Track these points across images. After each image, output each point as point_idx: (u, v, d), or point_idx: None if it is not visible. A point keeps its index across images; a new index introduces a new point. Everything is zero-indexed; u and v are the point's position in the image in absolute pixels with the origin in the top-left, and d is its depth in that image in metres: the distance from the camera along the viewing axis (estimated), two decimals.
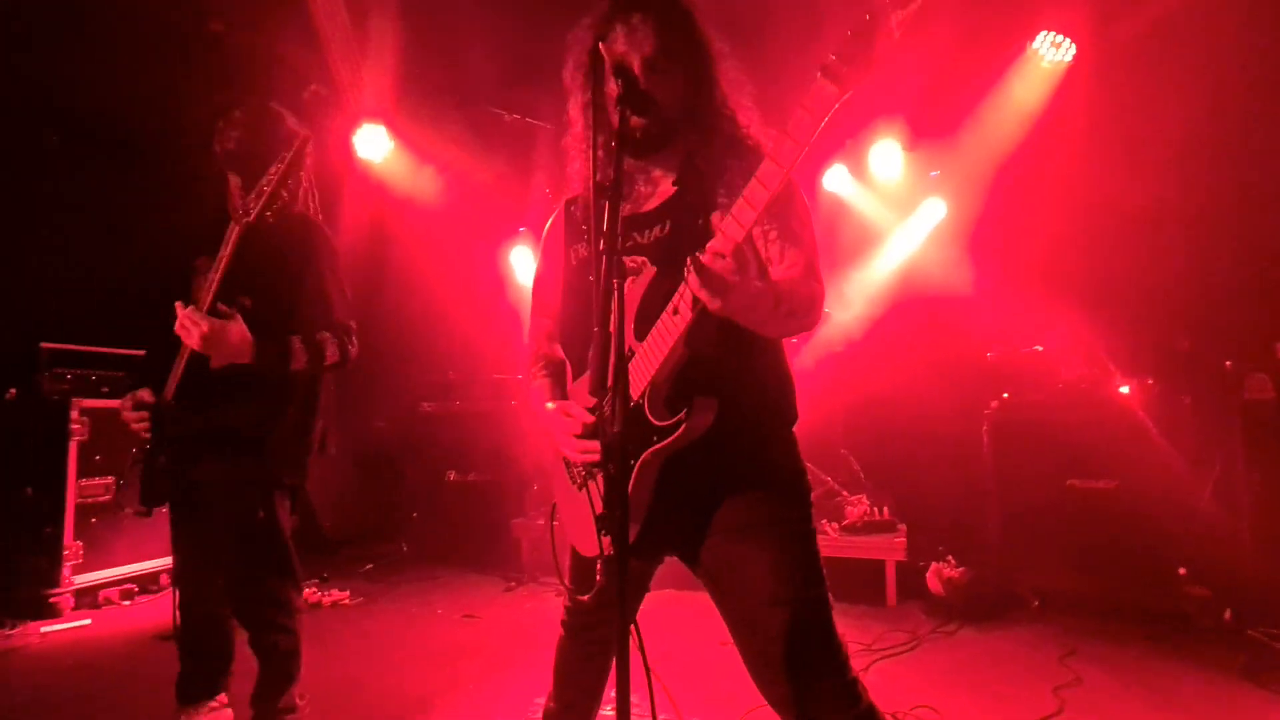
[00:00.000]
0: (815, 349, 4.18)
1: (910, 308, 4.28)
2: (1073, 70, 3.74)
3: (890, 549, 3.55)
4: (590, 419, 1.30)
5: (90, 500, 3.55)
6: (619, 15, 1.33)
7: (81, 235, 4.10)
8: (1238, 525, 2.81)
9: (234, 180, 1.95)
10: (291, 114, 1.99)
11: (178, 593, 1.99)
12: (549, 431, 1.41)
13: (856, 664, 2.75)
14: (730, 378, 1.30)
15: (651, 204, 1.39)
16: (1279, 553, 2.74)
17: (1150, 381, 3.18)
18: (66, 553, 3.46)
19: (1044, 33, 3.68)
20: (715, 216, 1.24)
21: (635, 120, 1.28)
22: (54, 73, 3.76)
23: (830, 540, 3.68)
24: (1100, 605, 3.17)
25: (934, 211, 4.45)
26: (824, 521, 3.82)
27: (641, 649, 1.53)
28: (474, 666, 2.83)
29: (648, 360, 1.24)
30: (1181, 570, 2.95)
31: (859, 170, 4.56)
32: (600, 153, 1.30)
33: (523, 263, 5.54)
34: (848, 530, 3.72)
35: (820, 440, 4.14)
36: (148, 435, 1.86)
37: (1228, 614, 2.85)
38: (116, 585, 3.69)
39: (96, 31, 3.63)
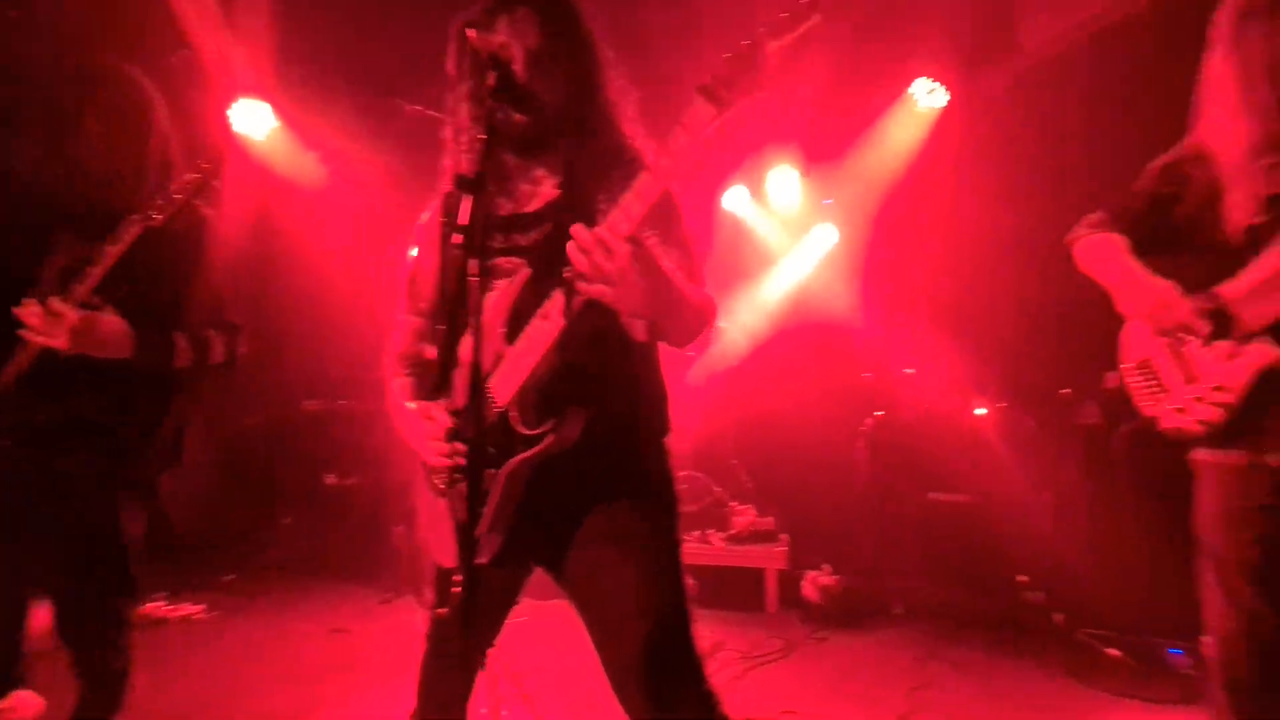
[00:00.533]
0: (709, 364, 4.29)
1: (800, 328, 4.48)
2: (946, 114, 4.06)
3: (771, 558, 3.68)
4: (445, 425, 1.26)
5: None
6: (502, 6, 1.30)
7: None
8: (1071, 537, 3.11)
9: (104, 161, 1.73)
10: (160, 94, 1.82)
11: None
12: (409, 434, 1.36)
13: (733, 671, 2.83)
14: (603, 387, 1.29)
15: (533, 205, 1.36)
16: (1105, 561, 3.05)
17: (1002, 405, 3.49)
18: None
19: (920, 79, 3.98)
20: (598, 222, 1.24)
21: (517, 117, 1.27)
22: None
23: (715, 549, 3.77)
24: (955, 611, 3.41)
25: (826, 237, 4.68)
26: (710, 531, 3.91)
27: (501, 665, 1.50)
28: (339, 685, 2.68)
29: (517, 366, 1.22)
30: (1022, 578, 3.24)
31: (758, 192, 4.74)
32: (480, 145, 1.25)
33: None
34: (733, 540, 3.82)
35: (712, 451, 4.25)
36: None
37: (1060, 618, 3.14)
38: None
39: None
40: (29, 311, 1.55)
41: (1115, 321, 1.61)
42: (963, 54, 3.82)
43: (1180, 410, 1.40)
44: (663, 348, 1.44)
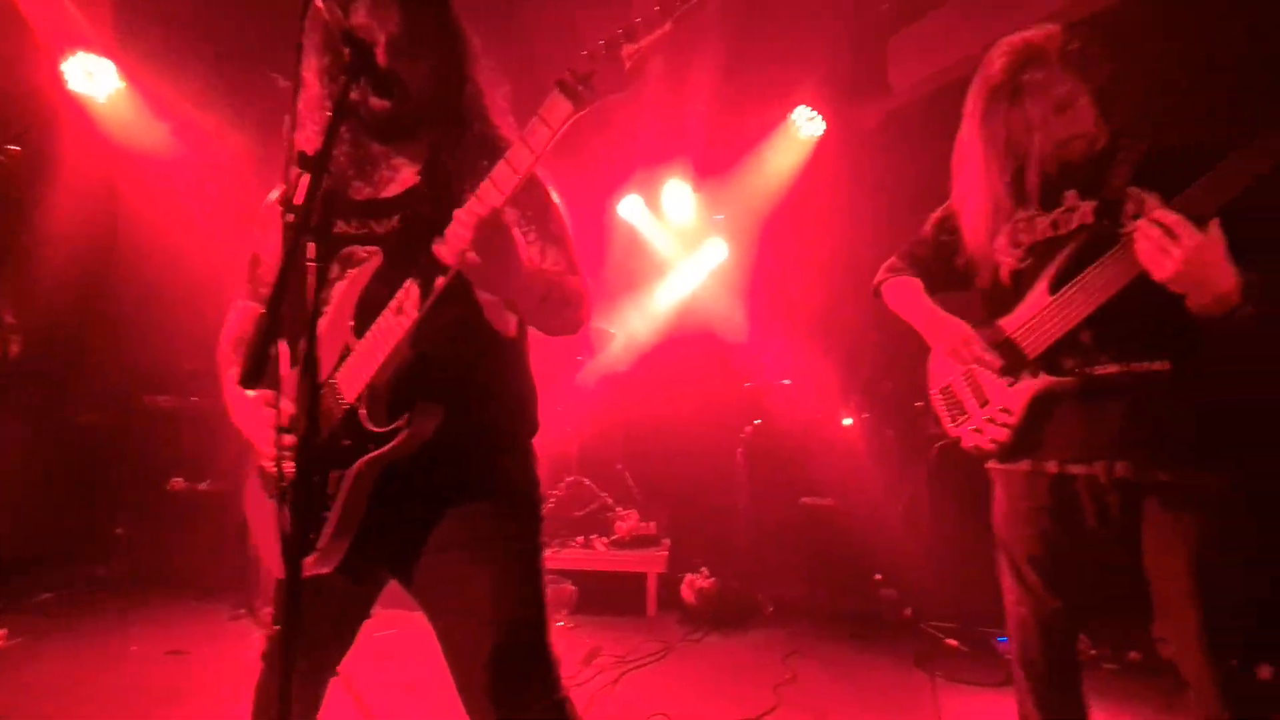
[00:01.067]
0: (598, 368, 4.32)
1: (687, 337, 4.62)
2: (824, 141, 4.35)
3: (652, 562, 3.75)
4: (284, 415, 1.18)
5: None
6: None
7: None
8: (918, 538, 3.41)
9: None
10: None
11: None
12: (245, 426, 1.28)
13: (609, 675, 2.85)
14: (461, 383, 1.25)
15: (391, 191, 1.31)
16: (947, 561, 3.37)
17: (865, 415, 3.77)
18: None
19: (800, 106, 4.24)
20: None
21: (376, 102, 1.23)
22: None
23: (598, 554, 3.80)
24: (820, 608, 3.64)
25: (716, 251, 4.86)
26: (595, 536, 3.93)
27: (351, 686, 1.43)
28: (172, 715, 2.42)
29: (366, 360, 1.17)
30: (878, 576, 3.51)
31: (652, 203, 4.84)
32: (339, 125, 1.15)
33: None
34: (616, 544, 3.86)
35: (599, 456, 4.29)
36: None
37: (908, 611, 3.44)
38: None
39: None
40: None
41: None
42: (839, 88, 4.10)
43: (977, 431, 1.59)
44: (546, 349, 1.42)
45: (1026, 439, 1.50)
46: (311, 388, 0.97)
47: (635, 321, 4.62)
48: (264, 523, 1.30)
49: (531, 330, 1.39)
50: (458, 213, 1.09)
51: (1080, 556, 1.49)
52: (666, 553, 3.80)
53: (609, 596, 3.64)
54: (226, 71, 3.91)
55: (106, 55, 3.75)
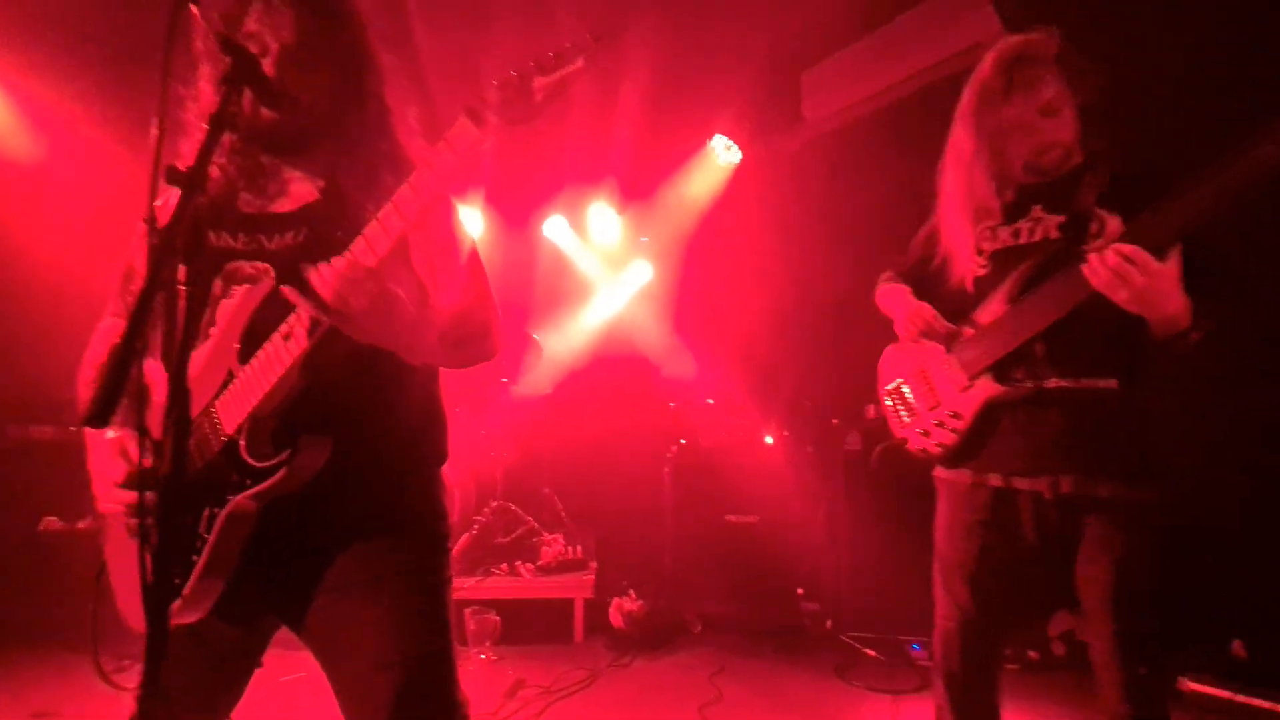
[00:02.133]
0: (522, 391, 4.26)
1: (612, 358, 4.64)
2: (741, 169, 4.51)
3: (580, 587, 3.69)
4: (131, 464, 1.10)
5: None
6: None
7: None
8: (837, 551, 3.53)
9: None
10: None
11: None
12: (96, 470, 1.17)
13: (535, 707, 2.77)
14: (357, 412, 1.18)
15: (284, 207, 1.24)
16: (863, 573, 3.50)
17: (785, 433, 3.88)
18: None
19: (718, 135, 4.39)
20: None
21: (266, 114, 1.16)
22: None
23: (524, 582, 3.71)
24: (745, 625, 3.68)
25: (641, 273, 4.92)
26: (519, 563, 3.84)
27: None
28: None
29: (250, 388, 1.09)
30: (800, 590, 3.60)
31: (578, 224, 4.86)
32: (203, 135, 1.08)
33: None
34: (542, 570, 3.78)
35: (525, 480, 4.21)
36: None
37: (829, 623, 3.53)
38: None
39: None
40: None
41: (876, 360, 1.85)
42: (755, 120, 4.27)
43: (924, 433, 1.60)
44: (466, 375, 1.35)
45: (972, 445, 1.51)
46: (179, 419, 0.89)
47: (560, 342, 4.60)
48: (124, 569, 1.19)
49: None
50: (323, 266, 1.02)
51: (1014, 571, 1.49)
52: (594, 577, 3.75)
53: (535, 625, 3.55)
54: (102, 76, 3.62)
55: None
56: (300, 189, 1.26)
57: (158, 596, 0.87)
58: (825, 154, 4.38)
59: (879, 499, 3.44)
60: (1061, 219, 1.47)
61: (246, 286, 1.15)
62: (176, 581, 1.08)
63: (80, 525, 3.60)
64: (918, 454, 1.63)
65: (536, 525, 4.05)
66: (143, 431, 0.89)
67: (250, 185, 1.24)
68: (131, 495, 1.06)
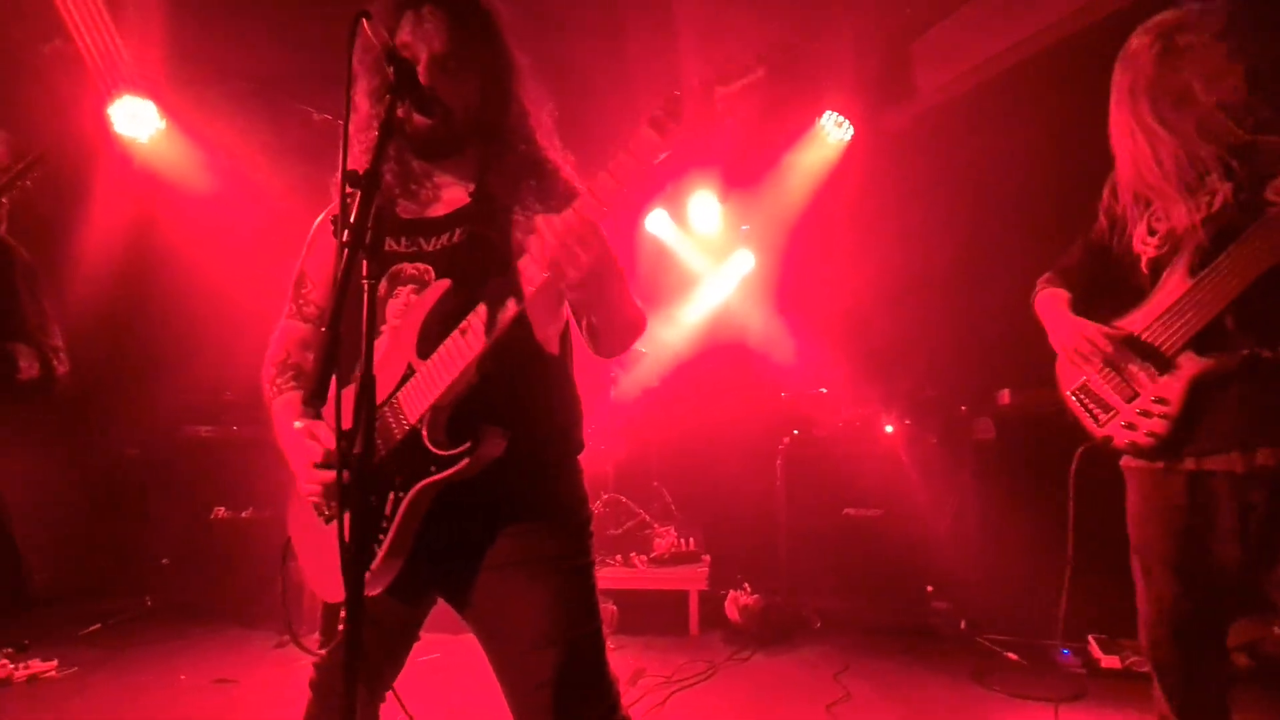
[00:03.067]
0: (631, 385, 4.29)
1: (719, 349, 4.58)
2: (852, 147, 4.31)
3: (694, 579, 3.68)
4: (313, 437, 1.18)
5: None
6: (409, 3, 1.25)
7: None
8: (968, 547, 3.30)
9: None
10: None
11: None
12: (292, 456, 1.25)
13: (656, 696, 2.78)
14: (519, 404, 1.24)
15: (440, 210, 1.31)
16: (999, 570, 3.25)
17: (907, 422, 3.68)
18: None
19: (828, 112, 4.21)
20: (527, 240, 1.14)
21: (420, 120, 1.23)
22: None
23: (638, 573, 3.74)
24: (869, 622, 3.52)
25: (744, 262, 4.83)
26: (633, 554, 3.88)
27: (405, 709, 1.40)
28: None
29: (431, 382, 1.16)
30: (929, 588, 3.40)
31: (679, 216, 4.84)
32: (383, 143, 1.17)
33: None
34: (655, 562, 3.80)
35: (635, 473, 4.24)
36: None
37: (963, 624, 3.31)
38: None
39: None
40: None
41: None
42: (866, 93, 4.07)
43: (1129, 426, 1.52)
44: (581, 367, 1.42)
45: (1185, 429, 1.44)
46: (369, 408, 0.96)
47: (666, 336, 4.60)
48: (313, 546, 1.27)
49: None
50: (539, 219, 1.08)
51: (1217, 556, 1.42)
52: (707, 569, 3.73)
53: (650, 615, 3.57)
54: (261, 107, 4.02)
55: (151, 96, 3.88)
56: (451, 193, 1.32)
57: (357, 565, 0.96)
58: (941, 126, 4.12)
59: (1016, 490, 3.19)
60: (1236, 186, 1.41)
61: (413, 287, 1.23)
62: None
63: (243, 515, 4.01)
64: (1126, 449, 1.55)
65: (648, 518, 4.08)
66: (322, 416, 0.99)
67: (405, 191, 1.31)
68: (329, 475, 1.14)
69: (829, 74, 3.99)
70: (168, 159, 4.12)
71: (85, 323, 3.83)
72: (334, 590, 1.15)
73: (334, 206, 1.38)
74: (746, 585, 3.61)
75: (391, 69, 1.11)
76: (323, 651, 1.23)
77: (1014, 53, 3.72)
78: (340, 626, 1.05)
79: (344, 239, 1.01)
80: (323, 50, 3.65)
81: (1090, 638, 2.96)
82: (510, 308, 1.11)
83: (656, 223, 4.83)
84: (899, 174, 4.23)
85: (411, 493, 1.16)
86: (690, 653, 3.29)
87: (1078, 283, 1.67)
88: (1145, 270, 1.51)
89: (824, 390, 4.01)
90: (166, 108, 3.94)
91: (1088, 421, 1.62)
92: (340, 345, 0.94)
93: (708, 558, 3.85)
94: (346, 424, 1.02)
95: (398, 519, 1.16)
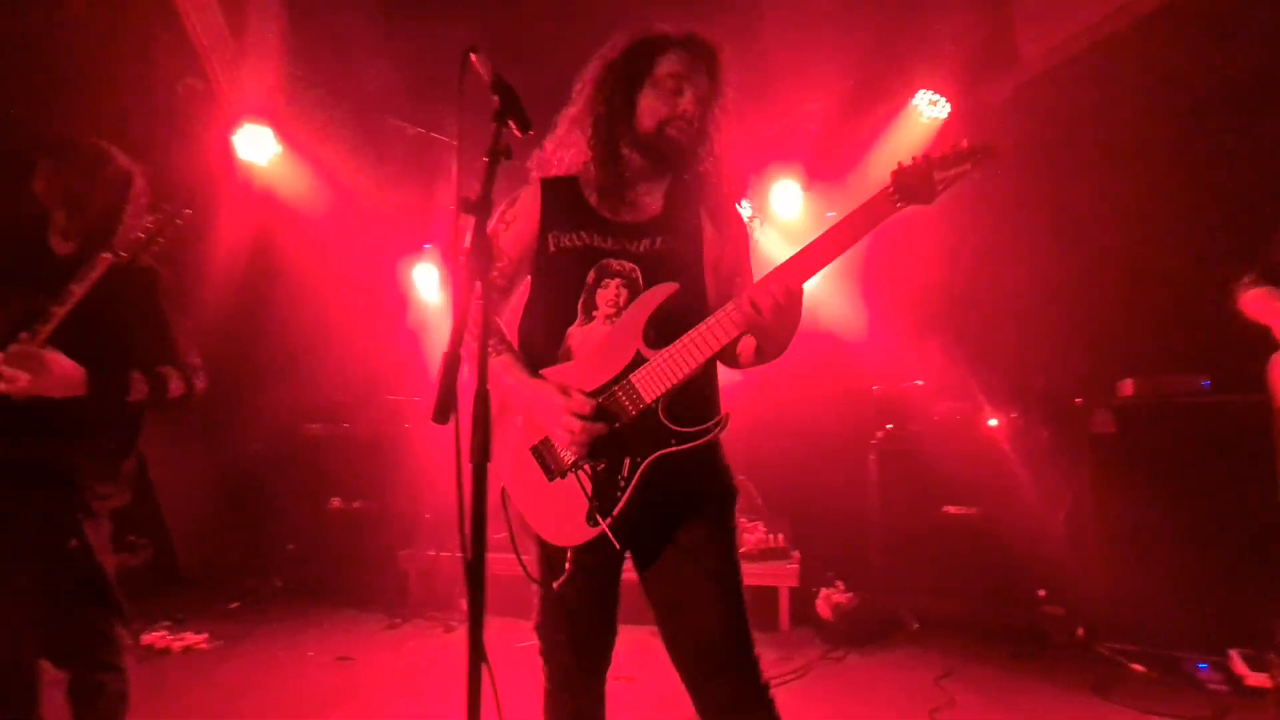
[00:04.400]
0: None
1: (805, 341, 4.43)
2: (947, 126, 4.07)
3: (783, 575, 3.62)
4: (591, 403, 1.34)
5: None
6: (682, 43, 1.47)
7: None
8: (1087, 549, 3.06)
9: (58, 216, 1.86)
10: (121, 151, 1.91)
11: None
12: (536, 406, 1.39)
13: None
14: (712, 393, 1.46)
15: (639, 216, 1.48)
16: (1123, 574, 3.00)
17: (1013, 415, 3.44)
18: None
19: (922, 91, 3.99)
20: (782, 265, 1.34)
21: (662, 139, 1.46)
22: None
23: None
24: (972, 625, 3.35)
25: None
26: None
27: (494, 689, 1.46)
28: (343, 715, 2.61)
29: (670, 369, 1.34)
30: (1041, 592, 3.18)
31: (761, 206, 4.73)
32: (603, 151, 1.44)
33: (426, 281, 5.34)
34: (743, 558, 3.73)
35: None
36: None
37: (1080, 631, 3.08)
38: None
39: None
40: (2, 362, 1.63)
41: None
42: (964, 65, 3.83)
43: None
44: None
45: None
46: (481, 392, 1.06)
47: None
48: (536, 497, 1.42)
49: None
50: (787, 282, 1.30)
51: None
52: (797, 566, 3.65)
53: None
54: (364, 126, 4.28)
55: (269, 122, 4.19)
56: (647, 201, 1.50)
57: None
58: (1045, 96, 3.82)
59: (1142, 489, 2.92)
60: None
61: (618, 280, 1.43)
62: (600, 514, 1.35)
63: (355, 505, 4.31)
64: None
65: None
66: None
67: (615, 194, 1.49)
68: (594, 427, 1.32)
69: (922, 49, 3.78)
70: (284, 180, 4.45)
71: (212, 332, 4.23)
72: (561, 536, 1.37)
73: (533, 191, 1.53)
74: (839, 583, 3.52)
75: (497, 98, 1.21)
76: (555, 585, 1.38)
77: (1130, 9, 3.39)
78: (567, 566, 1.35)
79: (464, 264, 1.11)
80: (419, 68, 3.84)
81: (1232, 652, 2.67)
82: (734, 320, 1.33)
83: (740, 213, 4.75)
84: (1000, 149, 3.96)
85: (649, 460, 1.33)
86: (781, 650, 3.24)
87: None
88: None
89: (919, 383, 3.82)
90: (282, 132, 4.26)
91: None
92: (459, 365, 1.05)
93: (797, 554, 3.78)
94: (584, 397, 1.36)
95: (634, 481, 1.33)
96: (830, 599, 3.46)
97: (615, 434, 1.34)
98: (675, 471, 1.35)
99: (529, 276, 1.52)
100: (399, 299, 5.28)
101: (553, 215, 1.48)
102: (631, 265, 1.41)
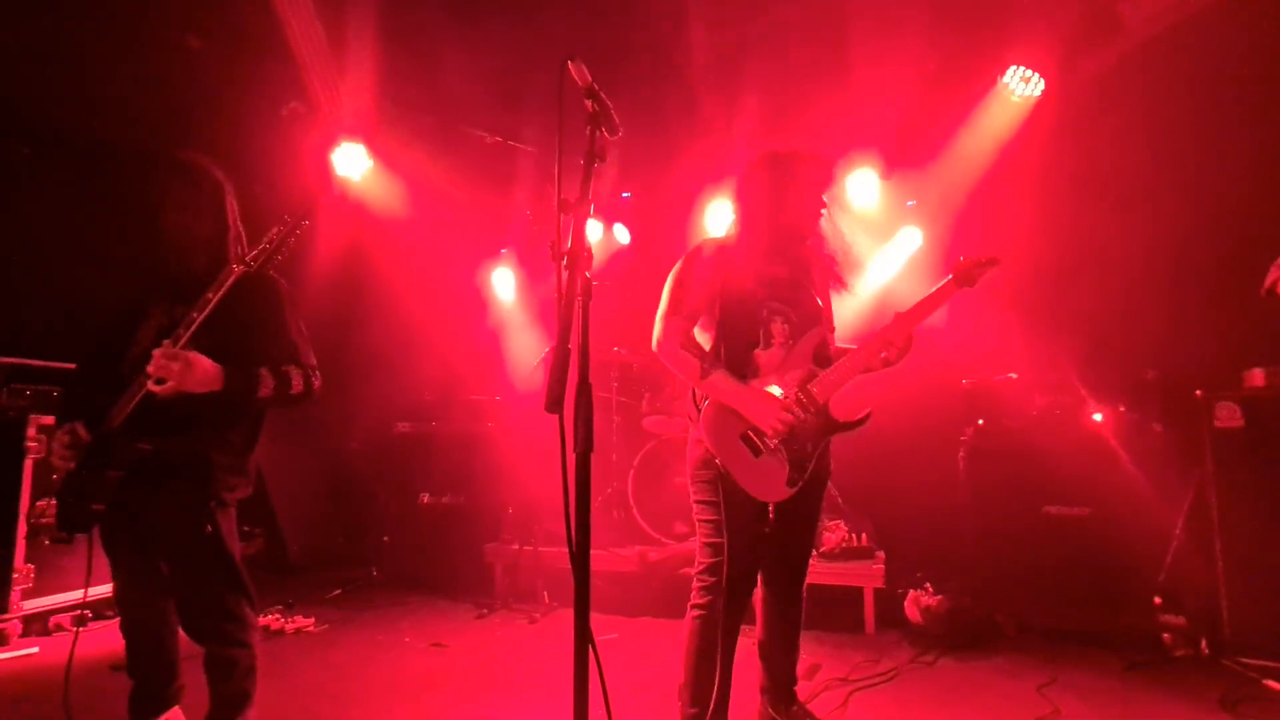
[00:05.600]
0: None
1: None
2: (1041, 104, 3.83)
3: (868, 576, 3.51)
4: (792, 405, 1.95)
5: (45, 521, 3.41)
6: (805, 161, 2.10)
7: (46, 248, 4.02)
8: (1210, 554, 2.81)
9: (181, 233, 2.02)
10: (217, 164, 2.09)
11: (120, 616, 2.01)
12: (747, 408, 1.96)
13: (835, 695, 2.70)
14: None
15: (784, 273, 2.12)
16: (1250, 582, 2.74)
17: (1121, 409, 3.20)
18: (16, 576, 3.31)
19: (1014, 67, 3.77)
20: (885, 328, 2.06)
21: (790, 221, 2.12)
22: (26, 84, 3.71)
23: (811, 566, 3.63)
24: (1077, 633, 3.15)
25: (911, 239, 4.51)
26: None
27: (601, 673, 1.50)
28: (440, 698, 2.73)
29: (834, 381, 2.01)
30: (1157, 599, 2.95)
31: (839, 197, 4.62)
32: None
33: (504, 284, 5.51)
34: (825, 557, 3.68)
35: None
36: (70, 467, 1.89)
37: (1204, 644, 2.84)
38: (69, 611, 3.53)
39: (72, 44, 3.59)
40: (153, 365, 1.80)
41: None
42: (1062, 36, 3.59)
43: None
44: None
45: None
46: (586, 404, 1.20)
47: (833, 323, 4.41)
48: (750, 468, 1.97)
49: None
50: (880, 335, 2.06)
51: None
52: (882, 567, 3.54)
53: (821, 611, 3.45)
54: (451, 137, 4.47)
55: (362, 139, 4.45)
56: (781, 259, 2.12)
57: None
58: (1149, 67, 3.54)
59: (1271, 488, 2.66)
60: None
61: (780, 318, 2.07)
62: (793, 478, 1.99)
63: (444, 500, 4.51)
64: None
65: None
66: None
67: (772, 258, 2.11)
68: (791, 420, 1.95)
69: (1014, 21, 3.57)
70: (375, 193, 4.72)
71: (311, 338, 4.54)
72: (766, 493, 1.97)
73: (715, 246, 2.13)
74: (928, 585, 3.38)
75: (590, 103, 1.36)
76: (765, 529, 1.99)
77: None
78: (770, 515, 1.98)
79: (563, 263, 1.22)
80: (499, 80, 3.97)
81: None
82: (867, 354, 2.07)
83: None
84: (1100, 126, 3.69)
85: (825, 442, 2.06)
86: (867, 652, 3.15)
87: None
88: None
89: (1014, 375, 3.62)
90: (374, 148, 4.51)
91: None
92: (568, 359, 1.18)
93: (881, 554, 3.66)
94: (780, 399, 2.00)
95: (814, 455, 2.02)
96: (919, 601, 3.33)
97: (802, 425, 1.96)
98: (825, 452, 2.07)
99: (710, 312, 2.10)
100: (479, 302, 5.48)
101: (725, 266, 2.06)
102: (787, 308, 2.07)
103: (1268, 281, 1.62)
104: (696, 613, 2.06)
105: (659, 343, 2.04)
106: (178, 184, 1.98)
